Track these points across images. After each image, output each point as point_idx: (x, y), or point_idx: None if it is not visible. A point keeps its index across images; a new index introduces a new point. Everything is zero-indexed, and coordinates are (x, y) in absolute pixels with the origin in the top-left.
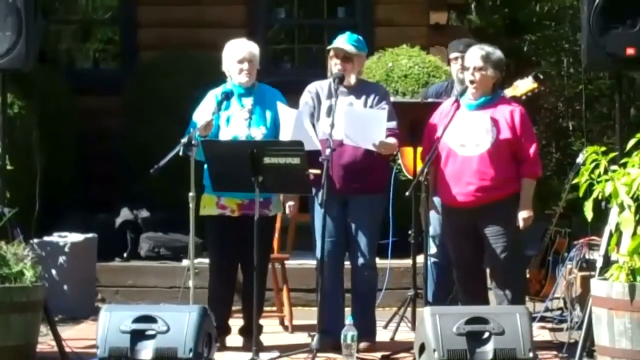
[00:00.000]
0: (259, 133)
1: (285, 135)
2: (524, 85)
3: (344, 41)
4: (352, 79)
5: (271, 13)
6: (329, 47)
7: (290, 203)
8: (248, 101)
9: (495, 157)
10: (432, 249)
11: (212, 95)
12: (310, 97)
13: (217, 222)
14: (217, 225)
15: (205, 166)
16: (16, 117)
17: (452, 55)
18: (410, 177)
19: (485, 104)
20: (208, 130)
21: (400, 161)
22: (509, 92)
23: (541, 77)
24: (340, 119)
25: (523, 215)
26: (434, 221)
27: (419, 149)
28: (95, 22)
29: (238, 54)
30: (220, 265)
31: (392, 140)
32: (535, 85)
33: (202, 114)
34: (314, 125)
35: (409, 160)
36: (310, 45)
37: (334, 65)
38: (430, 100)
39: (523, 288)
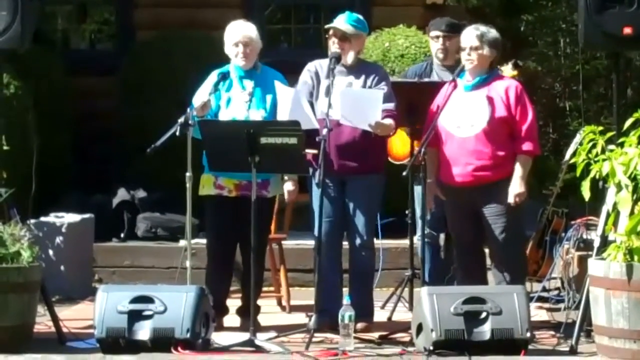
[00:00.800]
0: (258, 116)
1: (282, 113)
2: (504, 73)
3: (342, 21)
4: (349, 59)
5: None
6: (327, 26)
7: (290, 188)
8: (249, 84)
9: (491, 136)
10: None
11: (214, 75)
12: (309, 76)
13: (214, 202)
14: (214, 205)
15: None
16: (12, 98)
17: (434, 34)
18: (393, 162)
19: (481, 83)
20: (205, 110)
21: None
22: None
23: (520, 64)
24: (336, 99)
25: (515, 190)
26: (423, 202)
27: (404, 138)
28: (91, 2)
29: (233, 37)
30: (217, 246)
31: (389, 121)
32: (516, 72)
33: (200, 93)
34: (312, 104)
35: (391, 144)
36: (307, 25)
37: (332, 44)
38: (426, 80)
39: (522, 268)
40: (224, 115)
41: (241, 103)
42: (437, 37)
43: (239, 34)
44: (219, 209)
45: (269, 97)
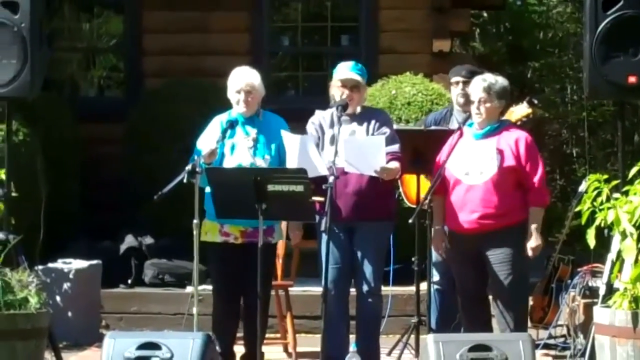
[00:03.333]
0: (263, 162)
1: (291, 161)
2: (519, 111)
3: (350, 69)
4: (358, 108)
5: (275, 41)
6: (339, 78)
7: (296, 232)
8: (252, 130)
9: (499, 185)
10: (435, 276)
11: (217, 121)
12: (314, 128)
13: (220, 249)
14: (220, 252)
15: (207, 192)
16: (21, 145)
17: (454, 79)
18: (410, 205)
19: (491, 132)
20: (212, 157)
21: (401, 189)
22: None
23: (535, 101)
24: (341, 148)
25: (532, 244)
26: (430, 249)
27: (421, 177)
28: (100, 50)
29: (236, 84)
30: (224, 292)
31: (394, 164)
32: (530, 110)
33: (206, 141)
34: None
35: (409, 188)
36: (314, 73)
37: (341, 94)
38: (433, 127)
39: (526, 315)
40: (229, 162)
41: (245, 149)
42: (457, 82)
43: (242, 81)
44: (226, 256)
45: (273, 143)
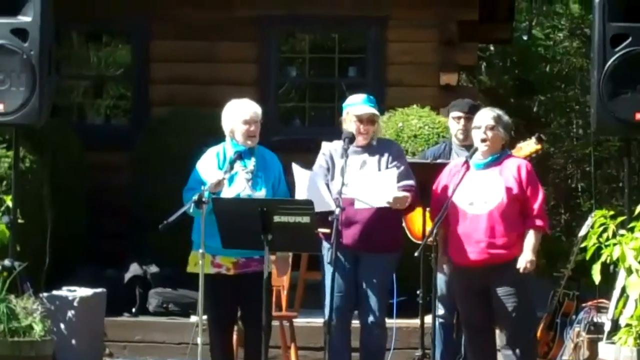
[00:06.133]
0: (260, 195)
1: (299, 196)
2: (528, 147)
3: (364, 103)
4: (373, 141)
5: (283, 71)
6: (355, 114)
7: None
8: (250, 162)
9: (504, 213)
10: (440, 309)
11: (213, 153)
12: (324, 160)
13: (212, 280)
14: (213, 284)
15: (197, 223)
16: (27, 172)
17: (455, 115)
18: (414, 240)
19: (493, 162)
20: (219, 188)
21: (404, 224)
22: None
23: (544, 138)
24: (352, 186)
25: (526, 257)
26: (440, 282)
27: (426, 212)
28: (108, 78)
29: (245, 115)
30: (218, 323)
31: (404, 193)
32: (539, 146)
33: (209, 171)
34: (328, 186)
35: (412, 222)
36: (321, 104)
37: (357, 129)
38: (439, 161)
39: (533, 349)
40: (227, 193)
41: (244, 181)
42: (459, 117)
43: (251, 111)
44: (218, 287)
45: (269, 177)
